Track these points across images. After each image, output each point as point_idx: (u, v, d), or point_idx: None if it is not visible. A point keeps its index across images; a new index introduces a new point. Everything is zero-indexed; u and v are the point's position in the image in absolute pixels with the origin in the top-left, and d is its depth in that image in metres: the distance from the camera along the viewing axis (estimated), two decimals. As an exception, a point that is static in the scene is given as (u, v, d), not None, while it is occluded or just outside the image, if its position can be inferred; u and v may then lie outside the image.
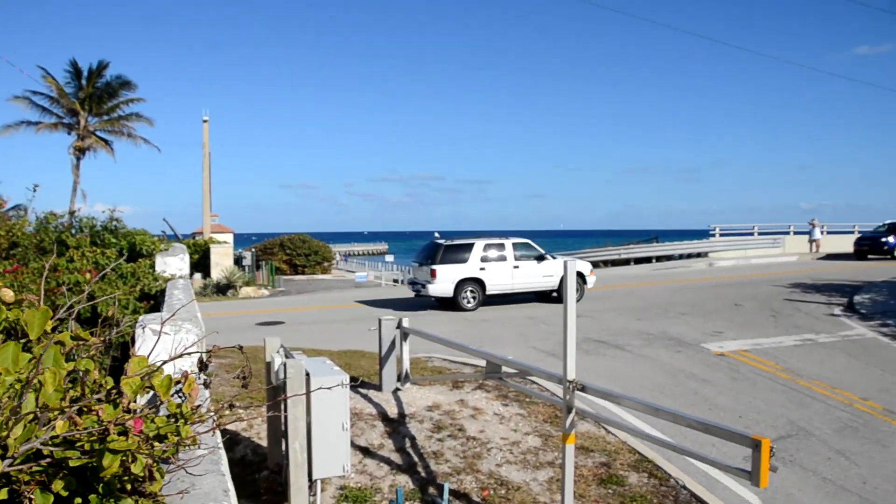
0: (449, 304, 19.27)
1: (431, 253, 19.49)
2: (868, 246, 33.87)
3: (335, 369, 6.06)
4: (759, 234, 37.90)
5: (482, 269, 19.18)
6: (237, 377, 2.33)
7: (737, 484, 7.38)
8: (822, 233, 37.71)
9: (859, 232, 39.69)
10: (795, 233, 38.41)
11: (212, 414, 2.32)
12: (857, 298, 19.71)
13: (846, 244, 37.59)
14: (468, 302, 19.07)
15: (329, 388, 5.56)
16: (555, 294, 20.05)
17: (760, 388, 10.90)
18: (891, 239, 33.25)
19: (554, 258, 20.32)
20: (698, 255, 35.88)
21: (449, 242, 19.67)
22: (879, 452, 8.58)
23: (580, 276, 19.83)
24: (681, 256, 35.60)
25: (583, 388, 5.88)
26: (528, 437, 8.21)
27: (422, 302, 20.74)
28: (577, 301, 19.88)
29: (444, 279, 18.77)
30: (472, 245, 19.47)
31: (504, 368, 7.59)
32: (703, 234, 38.55)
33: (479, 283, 19.16)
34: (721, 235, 37.34)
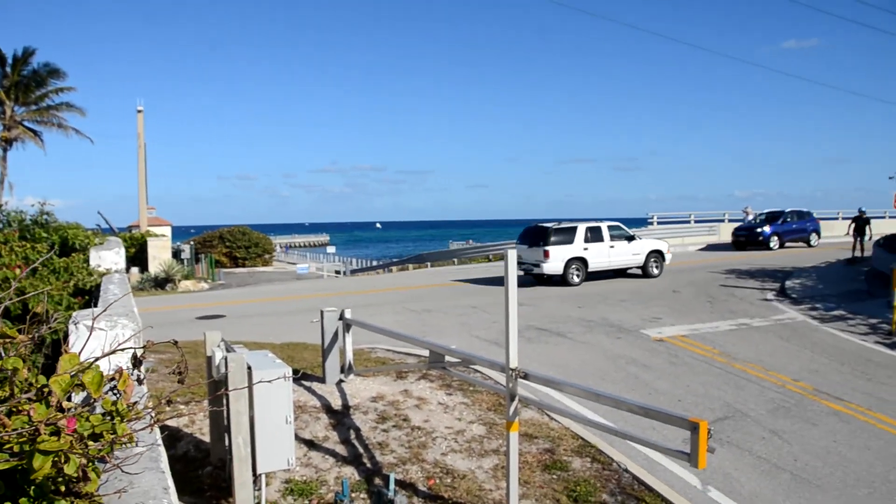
0: (557, 280, 21.19)
1: (541, 235, 21.12)
2: (745, 237, 33.50)
3: (277, 362, 6.00)
4: (696, 222, 38.61)
5: (585, 248, 21.25)
6: (173, 372, 2.28)
7: (677, 466, 7.55)
8: (755, 220, 38.65)
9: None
10: (730, 220, 39.27)
11: (150, 410, 2.26)
12: (788, 284, 20.34)
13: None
14: (575, 277, 21.04)
15: (271, 382, 5.50)
16: (639, 269, 22.66)
17: (698, 372, 11.17)
18: (766, 229, 32.89)
19: (640, 239, 22.86)
20: (637, 242, 36.48)
21: (556, 226, 21.37)
22: (810, 430, 8.89)
23: (660, 253, 22.78)
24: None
25: (525, 376, 5.92)
26: (473, 426, 8.25)
27: (522, 280, 21.37)
28: (658, 276, 22.28)
29: (556, 258, 20.66)
30: (575, 228, 21.38)
31: (447, 358, 7.60)
32: (642, 222, 39.12)
33: (583, 261, 21.22)
34: (659, 223, 37.90)
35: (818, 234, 34.80)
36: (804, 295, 18.61)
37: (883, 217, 40.99)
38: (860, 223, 27.17)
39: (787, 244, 33.62)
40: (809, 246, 33.85)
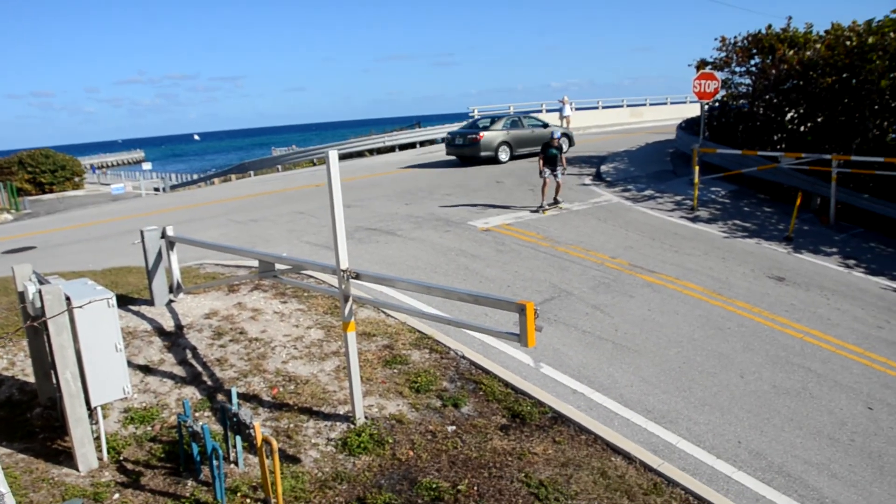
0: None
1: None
2: None
3: (98, 289, 5.68)
4: (515, 113, 39.46)
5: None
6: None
7: (510, 348, 7.95)
8: (571, 109, 40.08)
9: (603, 107, 42.52)
10: (548, 111, 40.49)
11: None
12: (603, 168, 21.47)
13: (593, 119, 40.35)
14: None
15: (94, 310, 5.21)
16: None
17: (525, 258, 11.67)
18: None
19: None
20: (460, 137, 36.97)
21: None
22: (627, 302, 9.61)
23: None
24: (443, 140, 36.47)
25: (357, 276, 5.94)
26: (311, 331, 8.26)
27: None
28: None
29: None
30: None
31: (278, 266, 7.48)
32: (463, 116, 39.50)
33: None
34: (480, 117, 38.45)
35: None
36: (618, 178, 19.73)
37: (684, 102, 43.78)
38: (550, 154, 15.79)
39: None
40: None
